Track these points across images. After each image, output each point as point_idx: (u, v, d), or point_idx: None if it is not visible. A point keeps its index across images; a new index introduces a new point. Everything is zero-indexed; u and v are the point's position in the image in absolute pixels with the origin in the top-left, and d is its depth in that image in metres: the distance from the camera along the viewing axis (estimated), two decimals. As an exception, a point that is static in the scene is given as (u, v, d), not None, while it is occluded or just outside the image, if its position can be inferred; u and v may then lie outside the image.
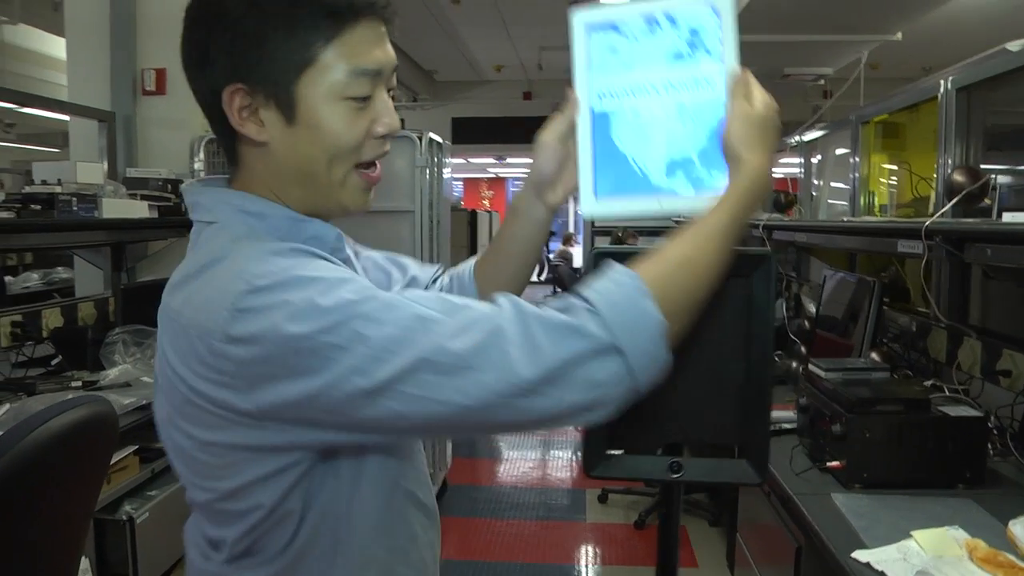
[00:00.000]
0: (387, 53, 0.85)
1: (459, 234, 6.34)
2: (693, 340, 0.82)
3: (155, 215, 3.05)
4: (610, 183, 0.92)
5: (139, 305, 3.05)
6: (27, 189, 2.50)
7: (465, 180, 19.39)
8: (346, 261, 0.92)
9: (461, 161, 15.58)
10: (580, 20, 0.93)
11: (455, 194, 18.04)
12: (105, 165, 3.26)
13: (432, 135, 3.77)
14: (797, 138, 4.13)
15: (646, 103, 0.91)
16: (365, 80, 0.82)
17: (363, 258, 1.06)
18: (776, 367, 2.97)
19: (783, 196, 3.80)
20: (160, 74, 3.53)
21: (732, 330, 0.88)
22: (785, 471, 1.91)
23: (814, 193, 4.20)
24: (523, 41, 8.35)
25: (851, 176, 3.36)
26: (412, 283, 1.09)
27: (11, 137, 9.36)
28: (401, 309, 0.72)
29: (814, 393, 1.99)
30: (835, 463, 1.82)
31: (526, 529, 4.00)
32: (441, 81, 10.68)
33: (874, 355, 2.39)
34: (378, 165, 0.89)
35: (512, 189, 19.29)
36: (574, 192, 0.97)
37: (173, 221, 3.13)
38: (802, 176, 4.20)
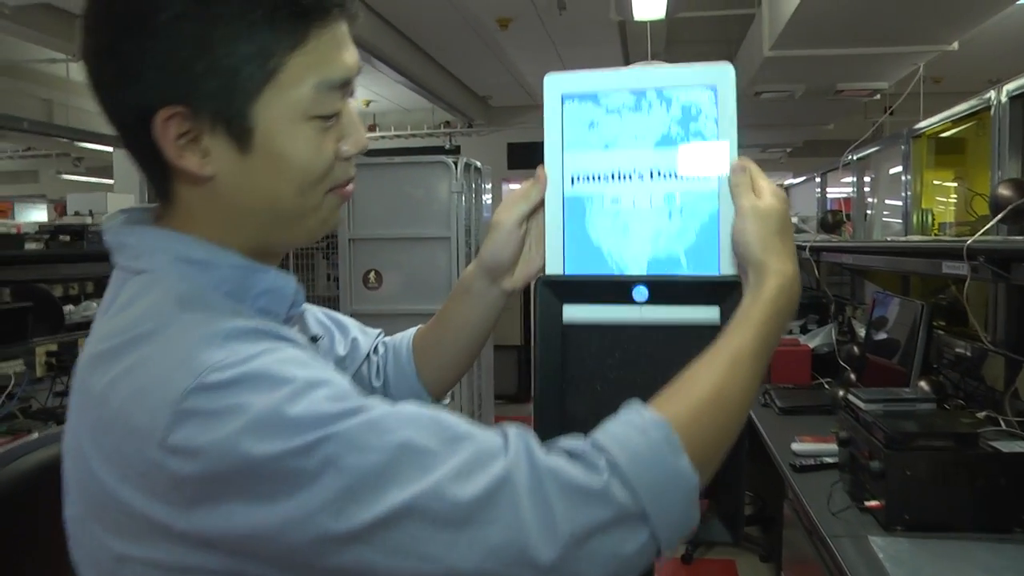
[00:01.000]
0: (354, 56, 0.71)
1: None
2: (657, 387, 0.72)
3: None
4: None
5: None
6: (60, 220, 2.55)
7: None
8: (302, 315, 0.83)
9: (518, 187, 15.60)
10: (554, 86, 0.82)
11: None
12: (145, 195, 3.31)
13: (469, 160, 3.74)
14: (850, 156, 3.97)
15: (627, 190, 0.80)
16: (334, 94, 0.68)
17: (307, 313, 0.93)
18: (823, 394, 2.82)
19: (830, 215, 3.65)
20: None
21: None
22: (822, 510, 1.78)
23: (869, 212, 4.03)
24: (574, 63, 8.25)
25: (903, 194, 3.20)
26: (353, 347, 0.97)
27: (80, 171, 9.76)
28: (389, 432, 0.58)
29: (854, 426, 1.85)
30: (874, 503, 1.68)
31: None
32: (496, 106, 10.69)
33: (923, 384, 2.23)
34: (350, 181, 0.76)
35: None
36: (535, 278, 0.87)
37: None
38: (855, 195, 4.03)
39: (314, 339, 0.84)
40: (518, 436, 0.62)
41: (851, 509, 1.76)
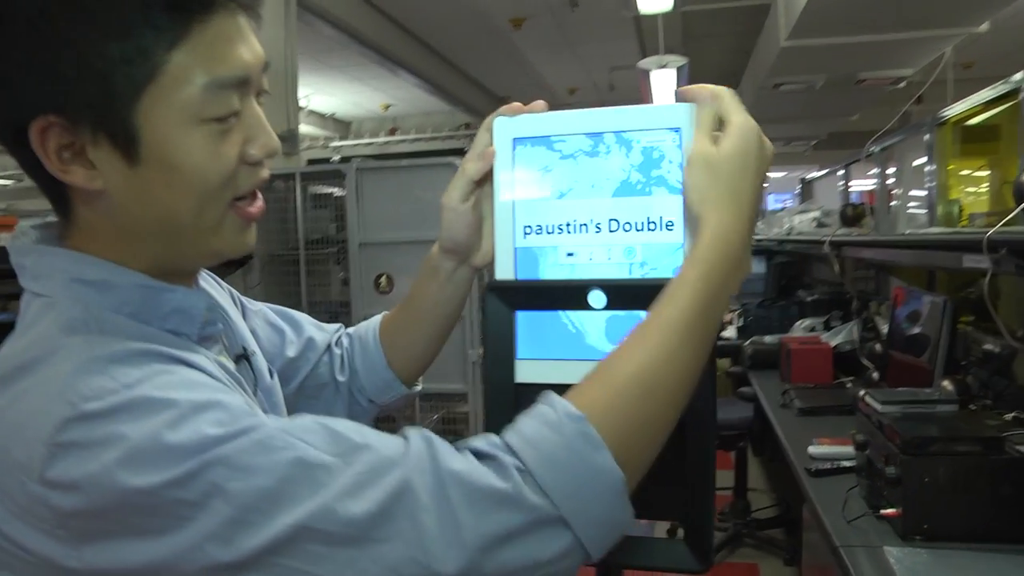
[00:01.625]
0: (253, 50, 0.65)
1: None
2: None
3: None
4: (535, 342, 0.74)
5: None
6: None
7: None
8: (224, 334, 0.76)
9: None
10: (504, 130, 0.76)
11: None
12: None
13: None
14: (874, 148, 3.85)
15: (584, 242, 0.74)
16: (228, 93, 0.62)
17: (252, 315, 0.89)
18: (844, 394, 2.72)
19: (850, 208, 3.53)
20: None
21: None
22: (836, 517, 1.69)
23: (894, 203, 3.90)
24: (592, 61, 8.24)
25: (926, 184, 3.08)
26: (308, 346, 0.93)
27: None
28: (279, 450, 0.55)
29: (870, 429, 1.76)
30: (891, 511, 1.58)
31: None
32: (516, 107, 10.67)
33: (946, 383, 2.12)
34: (259, 196, 0.69)
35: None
36: None
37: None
38: (878, 187, 3.91)
39: (240, 358, 0.77)
40: (420, 439, 0.58)
41: (867, 517, 1.66)
